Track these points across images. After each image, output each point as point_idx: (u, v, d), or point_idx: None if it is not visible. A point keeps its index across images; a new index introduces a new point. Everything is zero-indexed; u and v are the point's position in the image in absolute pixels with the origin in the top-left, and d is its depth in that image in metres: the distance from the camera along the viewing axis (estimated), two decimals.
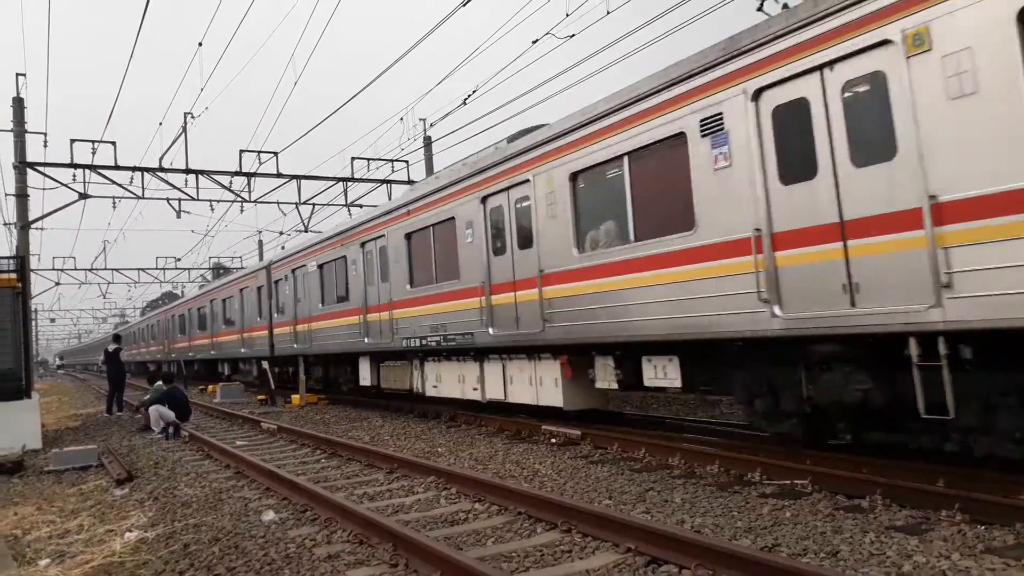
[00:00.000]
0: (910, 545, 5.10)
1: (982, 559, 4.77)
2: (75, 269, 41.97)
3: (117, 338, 22.55)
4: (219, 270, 46.05)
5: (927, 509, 5.88)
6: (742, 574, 4.54)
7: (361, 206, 23.92)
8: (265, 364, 22.94)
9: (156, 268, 45.96)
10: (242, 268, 21.34)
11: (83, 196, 19.96)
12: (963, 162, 5.69)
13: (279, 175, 21.88)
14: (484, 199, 11.79)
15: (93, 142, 19.41)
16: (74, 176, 19.60)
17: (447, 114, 19.79)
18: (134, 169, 20.41)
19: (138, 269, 46.07)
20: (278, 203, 24.27)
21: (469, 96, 18.20)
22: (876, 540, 5.26)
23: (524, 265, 10.90)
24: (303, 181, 22.84)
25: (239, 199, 22.33)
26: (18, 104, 19.00)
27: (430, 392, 14.41)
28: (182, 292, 51.62)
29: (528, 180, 10.74)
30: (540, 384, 11.17)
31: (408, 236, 14.29)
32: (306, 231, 25.09)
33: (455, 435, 12.10)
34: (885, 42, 6.22)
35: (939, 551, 4.94)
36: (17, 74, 19.29)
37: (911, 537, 5.27)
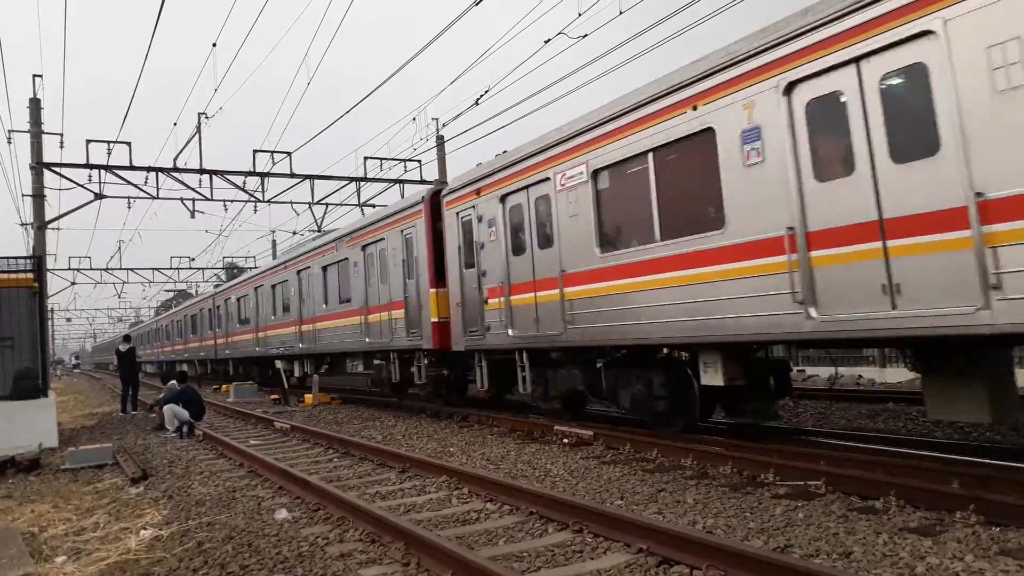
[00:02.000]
0: (923, 546, 5.07)
1: (996, 561, 4.73)
2: (91, 269, 42.37)
3: (128, 338, 22.74)
4: (233, 269, 46.27)
5: (942, 510, 5.85)
6: (753, 575, 4.53)
7: (374, 206, 24.00)
8: (279, 364, 23.02)
9: (170, 268, 46.29)
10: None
11: (98, 196, 20.11)
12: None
13: (292, 175, 21.99)
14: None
15: (108, 142, 19.58)
16: (90, 176, 19.79)
17: (460, 114, 19.82)
18: (149, 169, 20.58)
19: (152, 269, 46.43)
20: (291, 203, 24.40)
21: (482, 96, 18.24)
22: (889, 541, 5.23)
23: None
24: (316, 181, 22.94)
25: (253, 199, 22.47)
26: (35, 105, 19.16)
27: None
28: (196, 292, 51.87)
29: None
30: None
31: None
32: (319, 231, 25.18)
33: (467, 435, 12.12)
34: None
35: (953, 552, 4.91)
36: (34, 75, 19.45)
37: (925, 538, 5.24)
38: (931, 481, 6.42)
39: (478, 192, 12.50)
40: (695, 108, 8.12)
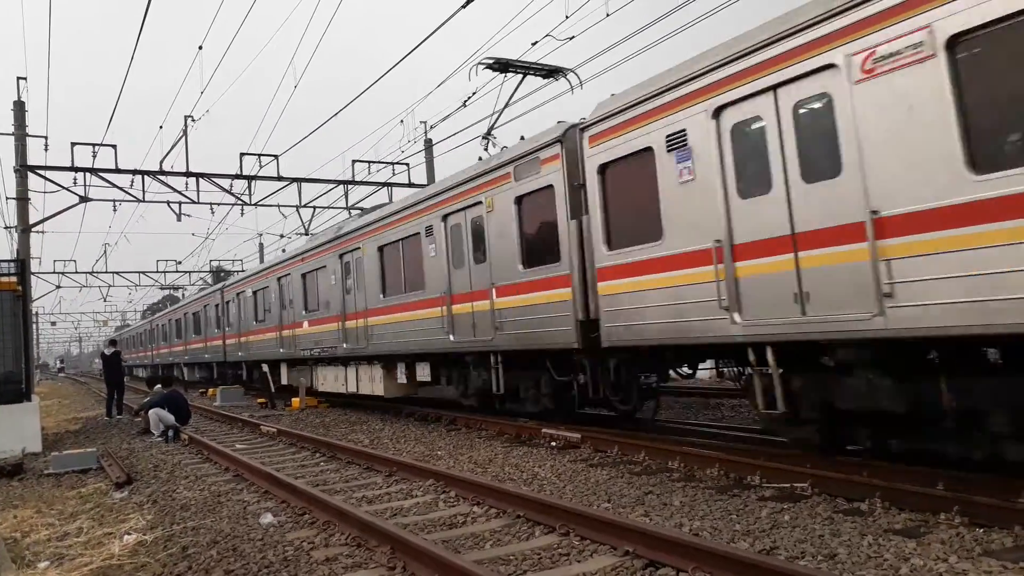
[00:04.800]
0: (908, 548, 5.09)
1: (979, 562, 4.76)
2: (76, 272, 42.08)
3: (113, 342, 22.59)
4: (220, 272, 46.01)
5: (926, 512, 5.87)
6: None
7: (362, 209, 23.90)
8: (265, 367, 22.93)
9: (157, 271, 45.98)
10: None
11: (84, 199, 19.99)
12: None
13: (279, 178, 21.92)
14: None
15: (94, 145, 19.47)
16: (75, 179, 19.67)
17: (447, 116, 19.80)
18: (135, 172, 20.47)
19: (138, 272, 46.10)
20: (279, 206, 24.24)
21: (469, 98, 18.22)
22: (874, 543, 5.25)
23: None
24: (303, 184, 22.87)
25: (239, 202, 22.37)
26: (19, 108, 19.05)
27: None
28: (182, 295, 51.54)
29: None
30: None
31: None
32: (306, 234, 25.10)
33: (455, 438, 12.10)
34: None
35: (937, 554, 4.94)
36: (18, 78, 19.34)
37: (909, 540, 5.27)
38: (916, 483, 6.45)
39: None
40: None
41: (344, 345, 16.64)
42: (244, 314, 24.83)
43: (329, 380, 18.63)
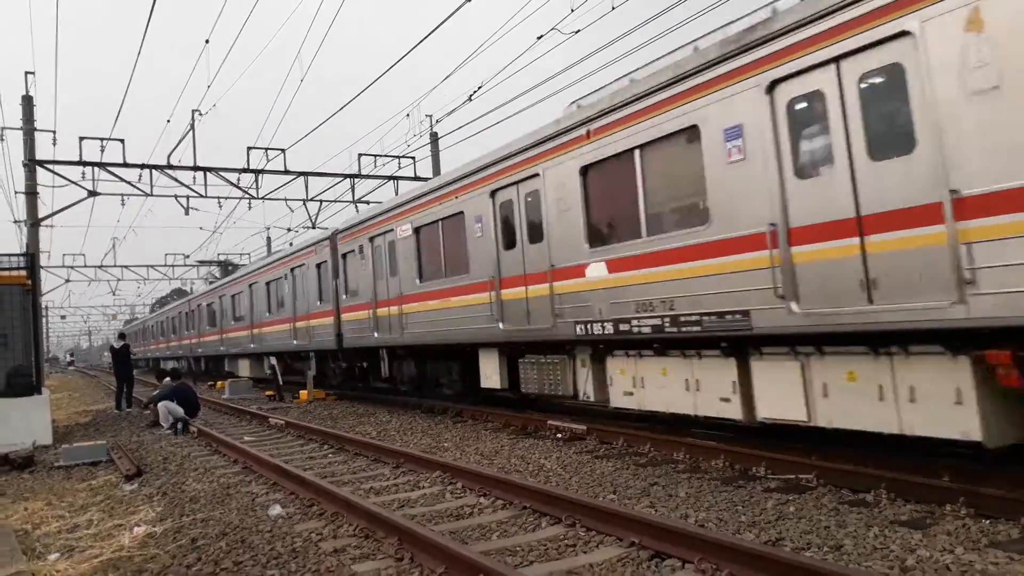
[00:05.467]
0: (914, 539, 5.10)
1: (986, 553, 4.77)
2: (85, 266, 42.25)
3: (122, 335, 22.69)
4: (228, 266, 46.13)
5: (932, 504, 5.88)
6: (745, 568, 4.56)
7: (368, 202, 23.97)
8: (273, 360, 23.01)
9: (165, 265, 46.13)
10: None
11: (92, 193, 20.08)
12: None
13: (286, 172, 21.96)
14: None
15: (102, 140, 19.52)
16: (83, 174, 19.75)
17: (453, 110, 19.77)
18: (142, 166, 20.55)
19: (147, 266, 46.30)
20: (286, 200, 24.31)
21: (475, 92, 18.20)
22: (880, 534, 5.26)
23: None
24: (310, 178, 22.91)
25: (247, 196, 22.44)
26: (27, 102, 19.13)
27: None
28: (191, 289, 51.62)
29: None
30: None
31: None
32: (313, 227, 25.14)
33: (461, 430, 12.14)
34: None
35: (943, 545, 4.94)
36: (26, 72, 19.43)
37: (915, 531, 5.28)
38: (921, 475, 6.45)
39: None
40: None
41: (776, 315, 7.32)
42: (386, 272, 15.45)
43: (671, 391, 8.79)
